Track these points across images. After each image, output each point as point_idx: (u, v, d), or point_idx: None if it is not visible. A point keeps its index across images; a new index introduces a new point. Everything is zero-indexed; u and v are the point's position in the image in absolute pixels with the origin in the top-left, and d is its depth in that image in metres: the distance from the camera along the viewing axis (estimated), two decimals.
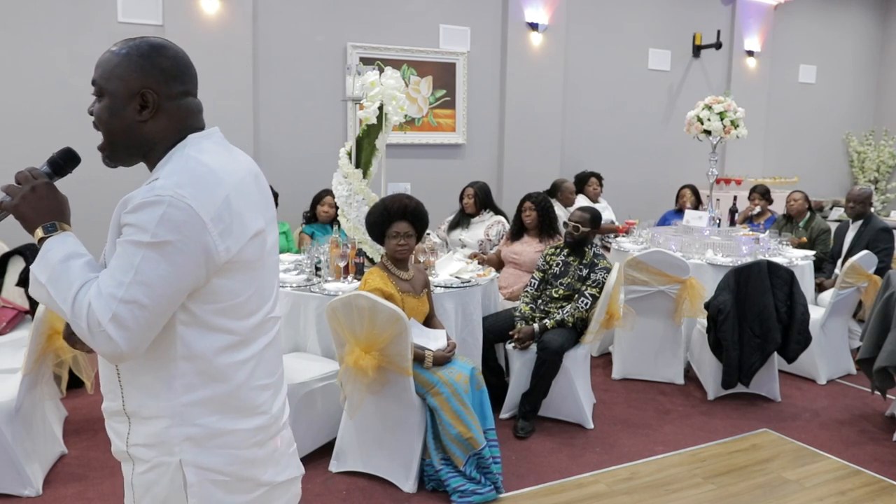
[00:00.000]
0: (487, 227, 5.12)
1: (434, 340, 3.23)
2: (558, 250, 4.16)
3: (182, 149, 1.37)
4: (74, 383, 3.55)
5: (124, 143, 1.39)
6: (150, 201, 1.25)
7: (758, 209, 6.27)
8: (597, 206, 6.18)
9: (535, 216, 4.62)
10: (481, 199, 5.21)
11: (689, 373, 4.70)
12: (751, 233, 5.51)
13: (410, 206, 3.27)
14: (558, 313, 3.90)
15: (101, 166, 1.46)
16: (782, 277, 4.21)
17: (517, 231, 4.75)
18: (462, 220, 5.30)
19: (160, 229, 1.24)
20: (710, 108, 5.51)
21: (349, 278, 3.71)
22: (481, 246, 5.05)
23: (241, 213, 1.34)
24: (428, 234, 3.38)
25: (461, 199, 5.29)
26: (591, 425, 3.89)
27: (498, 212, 5.29)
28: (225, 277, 1.33)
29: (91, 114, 1.39)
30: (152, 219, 1.24)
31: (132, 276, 1.23)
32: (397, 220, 3.23)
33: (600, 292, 3.92)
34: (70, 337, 1.34)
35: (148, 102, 1.35)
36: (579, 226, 4.02)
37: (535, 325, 3.87)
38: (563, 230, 4.31)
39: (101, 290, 1.24)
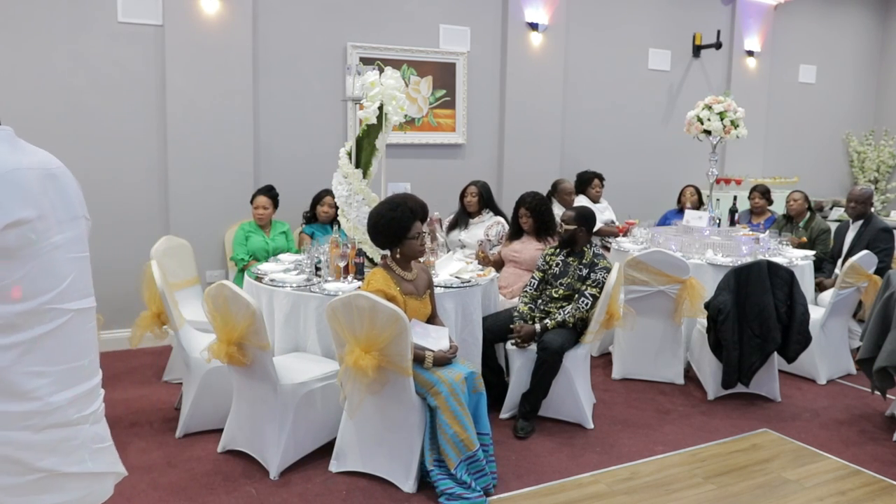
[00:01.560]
0: (487, 227, 5.07)
1: (437, 340, 3.23)
2: (558, 250, 4.16)
3: None
4: None
5: None
6: None
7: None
8: (598, 206, 6.18)
9: (532, 222, 4.59)
10: (484, 199, 5.16)
11: (689, 373, 4.71)
12: (751, 233, 5.51)
13: (424, 205, 3.34)
14: (559, 313, 3.90)
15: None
16: (782, 277, 4.22)
17: (516, 231, 4.75)
18: (461, 219, 5.23)
19: None
20: (710, 108, 5.51)
21: (349, 278, 3.72)
22: (481, 246, 5.00)
23: (2, 202, 1.39)
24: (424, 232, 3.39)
25: (462, 197, 5.23)
26: (591, 425, 3.89)
27: (498, 212, 5.24)
28: None
29: None
30: None
31: None
32: (417, 219, 3.27)
33: (600, 292, 3.92)
34: None
35: None
36: (563, 223, 4.09)
37: (536, 326, 3.88)
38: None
39: None
